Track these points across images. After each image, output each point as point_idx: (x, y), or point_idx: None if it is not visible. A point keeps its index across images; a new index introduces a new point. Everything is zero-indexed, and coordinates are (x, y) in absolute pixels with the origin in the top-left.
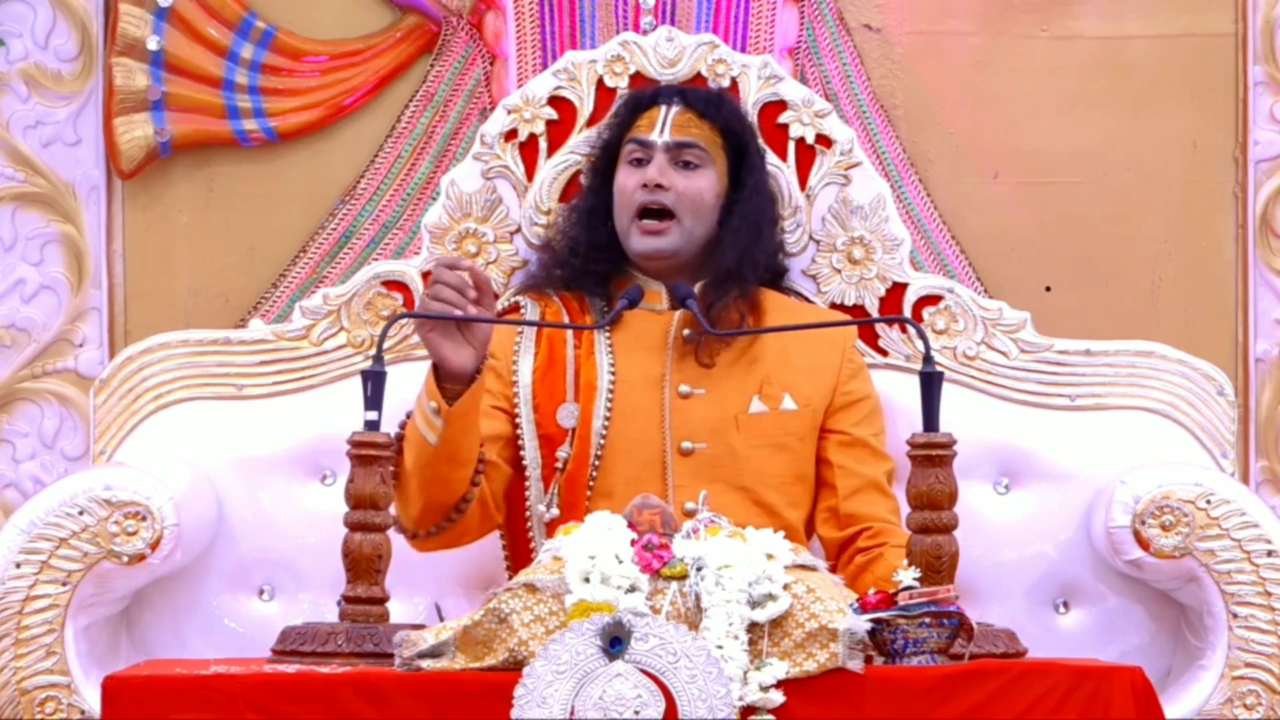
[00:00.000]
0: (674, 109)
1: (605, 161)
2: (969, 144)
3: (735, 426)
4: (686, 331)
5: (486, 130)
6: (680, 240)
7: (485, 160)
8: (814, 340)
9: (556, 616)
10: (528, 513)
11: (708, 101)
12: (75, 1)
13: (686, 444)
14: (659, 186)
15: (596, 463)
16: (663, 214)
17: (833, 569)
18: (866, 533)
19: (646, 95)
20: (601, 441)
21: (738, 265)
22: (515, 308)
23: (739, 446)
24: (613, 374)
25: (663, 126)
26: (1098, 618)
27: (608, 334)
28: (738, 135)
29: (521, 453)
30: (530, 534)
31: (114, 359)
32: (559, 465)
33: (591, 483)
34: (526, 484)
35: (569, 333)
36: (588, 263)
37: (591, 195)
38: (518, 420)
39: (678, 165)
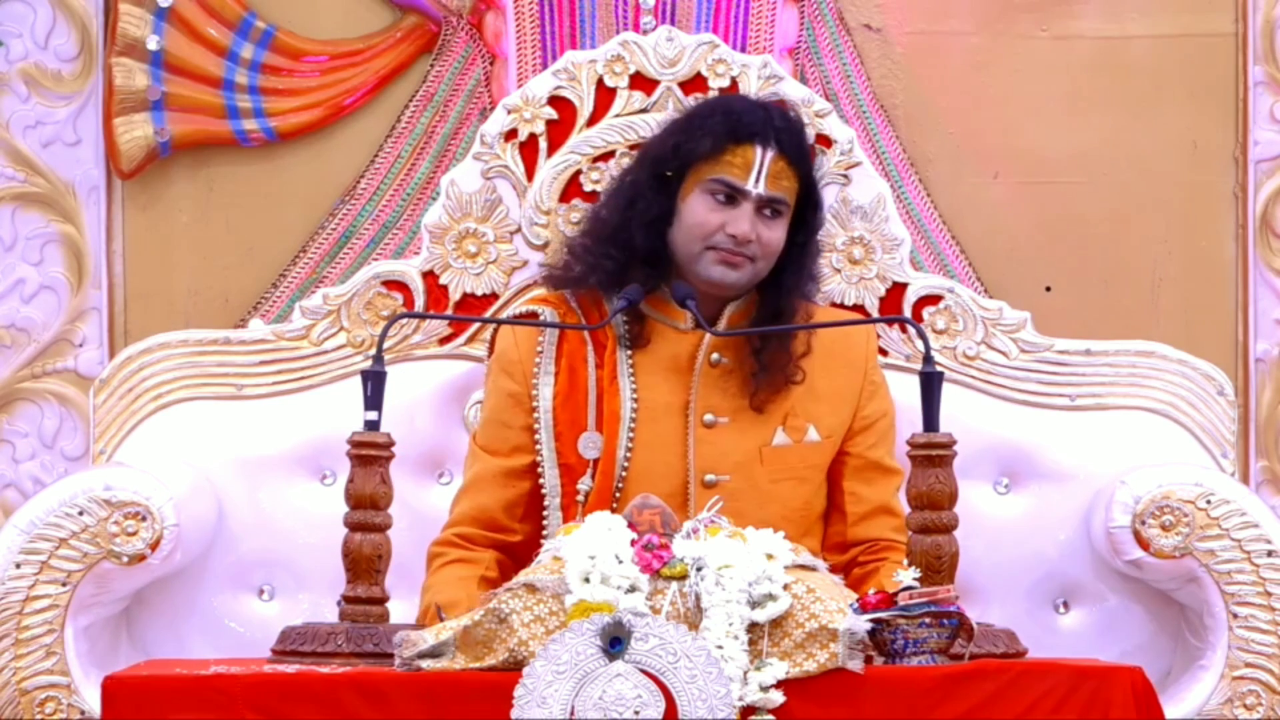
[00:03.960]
0: (769, 154)
1: (679, 174)
2: (969, 144)
3: (759, 459)
4: (714, 356)
5: (486, 130)
6: (750, 277)
7: (485, 160)
8: (838, 363)
9: (556, 616)
10: (545, 534)
11: (797, 148)
12: (75, 1)
13: (710, 476)
14: (748, 241)
15: (618, 494)
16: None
17: (837, 568)
18: (868, 549)
19: (744, 129)
20: (624, 473)
21: (794, 305)
22: (532, 315)
23: (761, 480)
24: (635, 401)
25: (759, 176)
26: (1098, 618)
27: (630, 356)
28: (809, 172)
29: (541, 480)
30: None
31: (114, 359)
32: (580, 498)
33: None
34: (545, 513)
35: (590, 354)
36: (635, 273)
37: (656, 202)
38: (538, 444)
39: (763, 214)
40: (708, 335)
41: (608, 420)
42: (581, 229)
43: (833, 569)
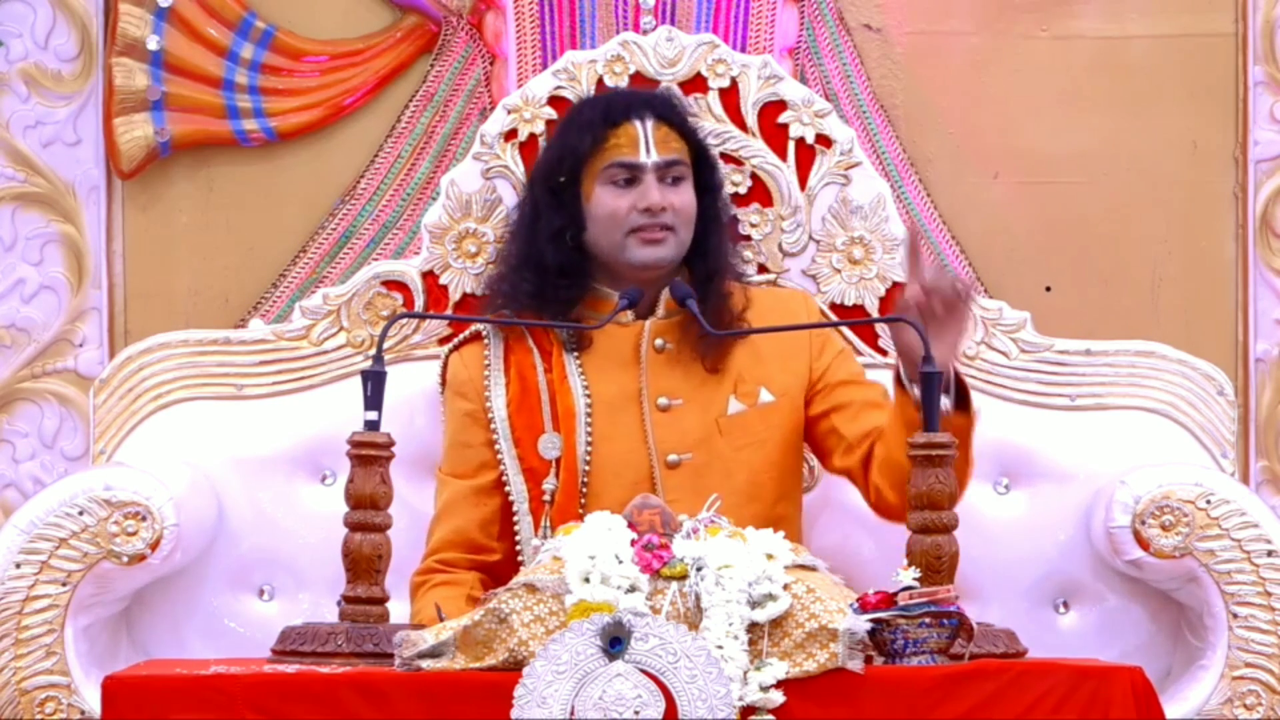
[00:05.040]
0: (649, 123)
1: (573, 178)
2: (969, 144)
3: (718, 431)
4: (658, 341)
5: (486, 130)
6: (676, 250)
7: (485, 160)
8: (776, 322)
9: (556, 616)
10: (518, 546)
11: (673, 110)
12: (75, 1)
13: (673, 457)
14: (662, 209)
15: (584, 489)
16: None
17: (865, 492)
18: (871, 436)
19: (616, 110)
20: (587, 467)
21: (724, 265)
22: (477, 337)
23: (724, 451)
24: (588, 396)
25: (648, 146)
26: (1098, 618)
27: (577, 356)
28: (694, 135)
29: (507, 488)
30: (522, 567)
31: (114, 359)
32: (546, 498)
33: (582, 509)
34: (515, 518)
35: (538, 360)
36: (556, 289)
37: (558, 213)
38: (499, 456)
39: (666, 182)
40: (648, 323)
41: (563, 418)
42: (494, 264)
43: (856, 472)
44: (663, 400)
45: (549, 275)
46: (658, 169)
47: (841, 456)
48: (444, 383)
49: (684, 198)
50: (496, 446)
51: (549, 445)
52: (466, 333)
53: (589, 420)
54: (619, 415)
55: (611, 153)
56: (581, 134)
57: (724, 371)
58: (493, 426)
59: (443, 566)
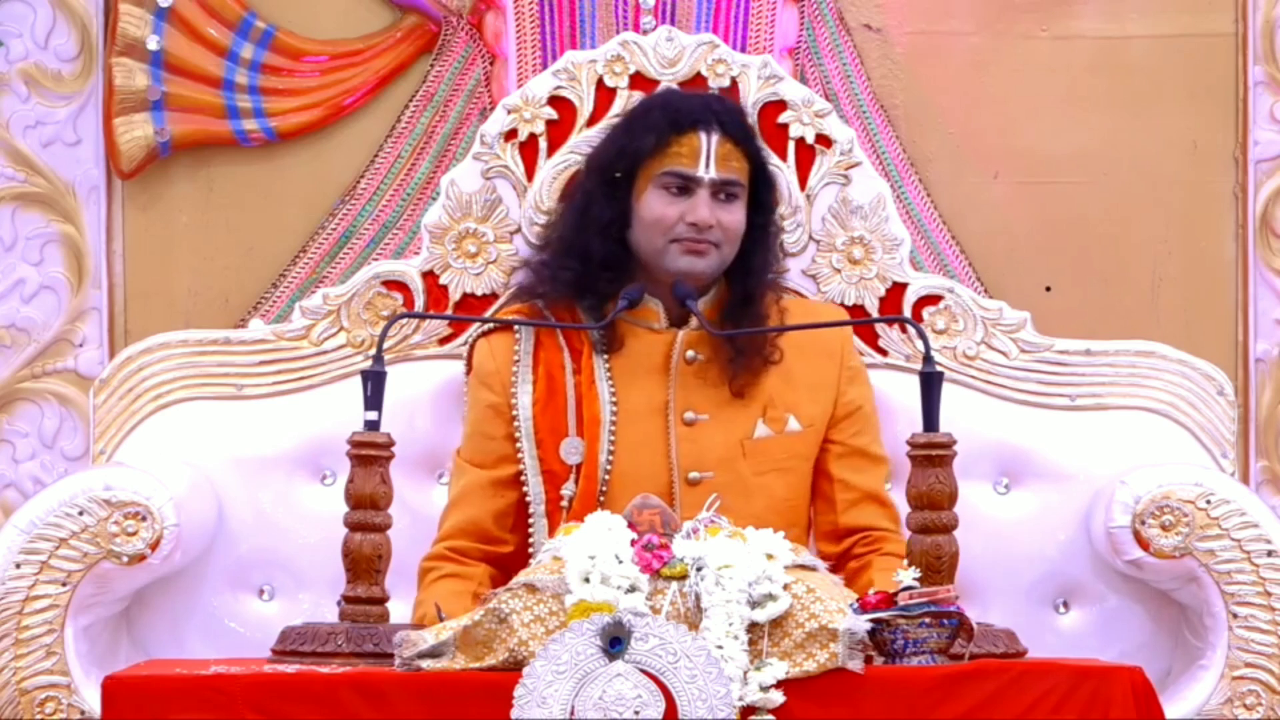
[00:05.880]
0: (714, 138)
1: (629, 175)
2: (969, 144)
3: (742, 453)
4: (689, 353)
5: (486, 130)
6: (717, 264)
7: (485, 160)
8: (813, 351)
9: (556, 616)
10: (531, 548)
11: (741, 129)
12: (75, 1)
13: (694, 474)
14: (709, 227)
15: (602, 498)
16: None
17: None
18: (862, 540)
19: (684, 117)
20: (607, 477)
21: (763, 288)
22: (509, 326)
23: (746, 473)
24: (614, 404)
25: (708, 161)
26: (1098, 618)
27: (607, 360)
28: (758, 154)
29: (525, 488)
30: None
31: (114, 359)
32: (564, 504)
33: None
34: (530, 519)
35: (567, 361)
36: (597, 281)
37: (609, 206)
38: (520, 454)
39: (718, 198)
40: (681, 333)
41: (588, 424)
42: (538, 244)
43: (827, 558)
44: (689, 415)
45: (592, 266)
46: (713, 185)
47: (824, 537)
48: (469, 368)
49: (734, 216)
50: (518, 444)
51: (571, 450)
52: (499, 321)
53: (613, 429)
54: (644, 426)
55: (671, 160)
56: (645, 133)
57: (753, 395)
58: (516, 424)
59: (454, 555)
